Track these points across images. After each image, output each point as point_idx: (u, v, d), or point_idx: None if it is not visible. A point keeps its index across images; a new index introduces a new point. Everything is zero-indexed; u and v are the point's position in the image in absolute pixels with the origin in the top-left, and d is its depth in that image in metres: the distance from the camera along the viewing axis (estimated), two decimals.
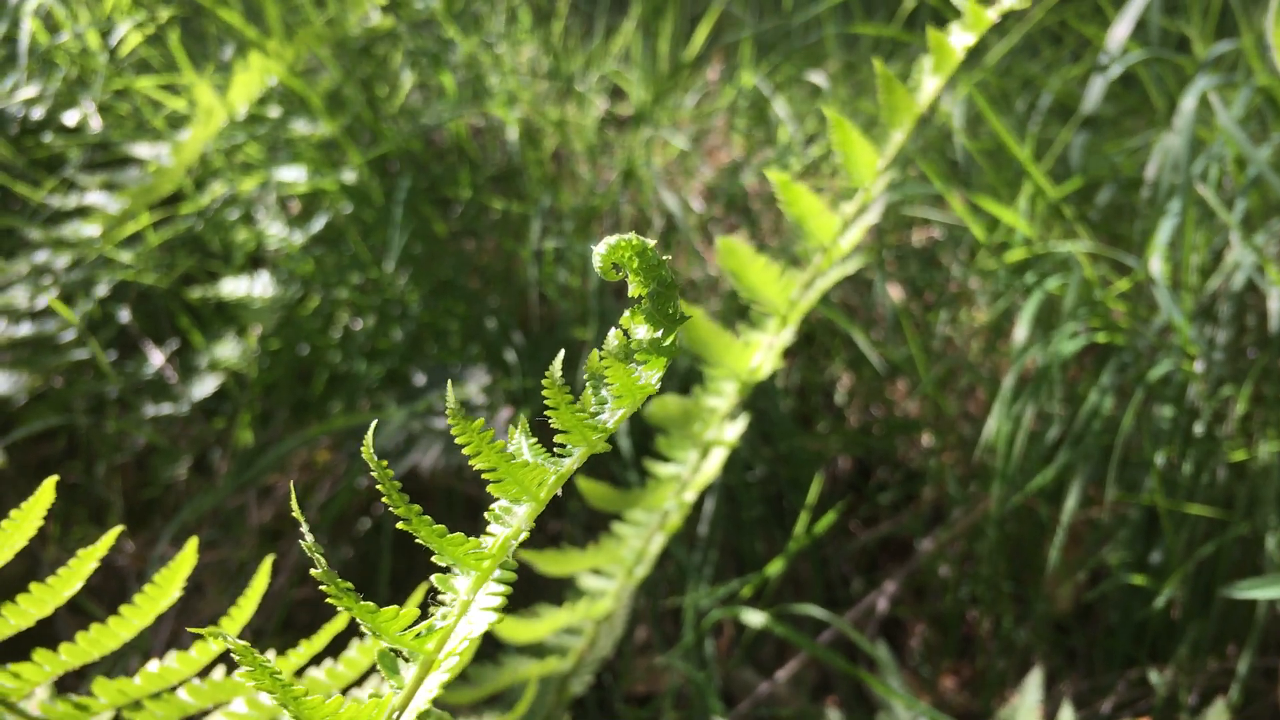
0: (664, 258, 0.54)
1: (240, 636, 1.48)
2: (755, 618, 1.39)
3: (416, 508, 0.57)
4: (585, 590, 1.22)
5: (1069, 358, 1.64)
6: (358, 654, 0.90)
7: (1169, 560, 1.55)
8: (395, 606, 0.59)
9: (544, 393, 0.54)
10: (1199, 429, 1.55)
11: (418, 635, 0.59)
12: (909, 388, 1.92)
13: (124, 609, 0.78)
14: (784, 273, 1.01)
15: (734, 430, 1.11)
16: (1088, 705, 1.58)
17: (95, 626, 0.77)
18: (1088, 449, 1.58)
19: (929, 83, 0.92)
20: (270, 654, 0.87)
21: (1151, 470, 1.53)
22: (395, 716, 0.62)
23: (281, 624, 1.59)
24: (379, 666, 0.63)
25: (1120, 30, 1.76)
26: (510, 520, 0.58)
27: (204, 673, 0.85)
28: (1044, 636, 1.65)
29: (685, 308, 1.03)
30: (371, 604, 0.58)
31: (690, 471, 1.12)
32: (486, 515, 0.59)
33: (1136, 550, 1.60)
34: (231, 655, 0.82)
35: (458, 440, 0.56)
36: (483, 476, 0.57)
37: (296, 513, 0.57)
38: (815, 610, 1.50)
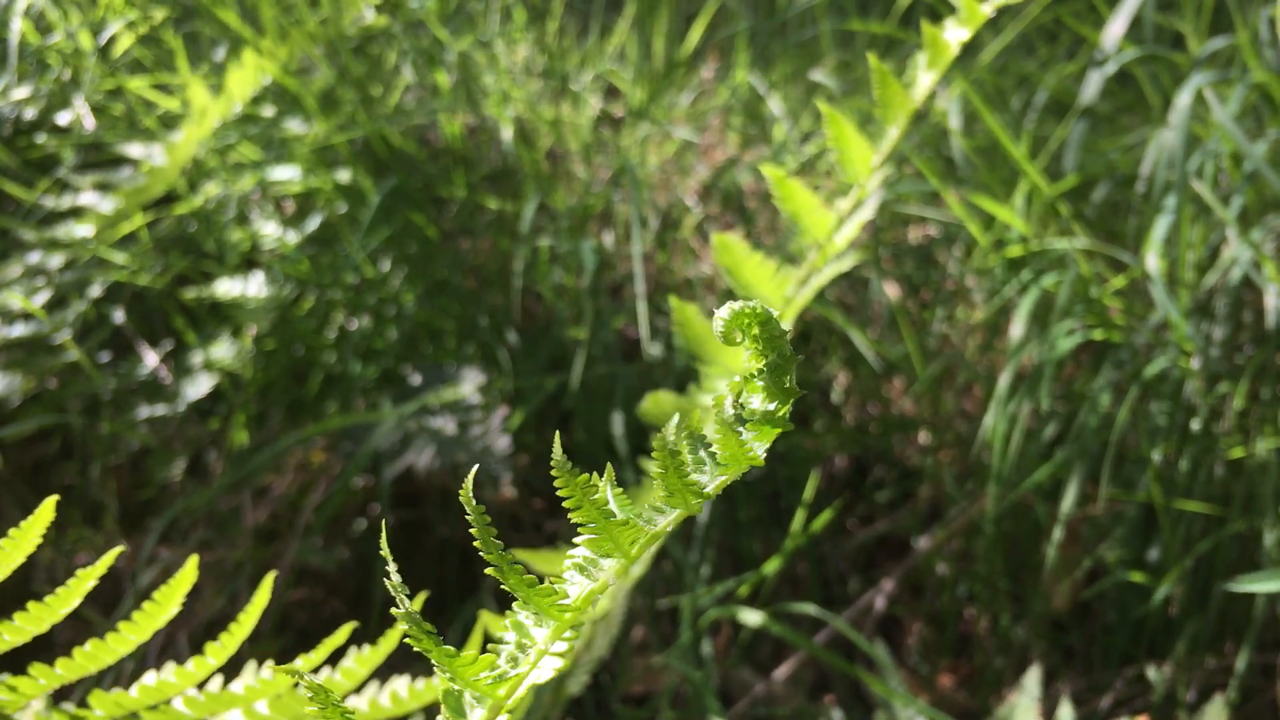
0: (785, 329, 0.53)
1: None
2: (752, 617, 1.39)
3: (509, 555, 0.56)
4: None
5: (1065, 355, 1.64)
6: (355, 664, 0.90)
7: (1166, 557, 1.54)
8: (474, 652, 0.58)
9: (654, 455, 0.53)
10: (1196, 426, 1.55)
11: (490, 682, 0.59)
12: (905, 386, 1.92)
13: (122, 625, 0.77)
14: (779, 269, 1.01)
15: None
16: (1086, 703, 1.58)
17: (93, 642, 0.77)
18: (1085, 446, 1.58)
19: (924, 78, 0.92)
20: (268, 664, 0.87)
21: (1148, 467, 1.53)
22: None
23: (278, 625, 1.59)
24: (444, 707, 0.63)
25: (1115, 27, 1.76)
26: (596, 574, 0.57)
27: (201, 684, 0.84)
28: (1042, 634, 1.65)
29: (680, 305, 1.03)
30: (451, 649, 0.57)
31: None
32: (569, 564, 0.58)
33: (1134, 547, 1.60)
34: (226, 666, 0.82)
35: (560, 493, 0.55)
36: (579, 530, 0.56)
37: (390, 567, 0.56)
38: (812, 609, 1.50)
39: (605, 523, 0.55)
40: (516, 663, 0.58)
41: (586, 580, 0.57)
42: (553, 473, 0.54)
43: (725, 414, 0.54)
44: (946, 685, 1.69)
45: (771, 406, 0.54)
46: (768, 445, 0.54)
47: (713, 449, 0.54)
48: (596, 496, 0.55)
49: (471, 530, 0.55)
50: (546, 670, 0.59)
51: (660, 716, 1.52)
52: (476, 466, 0.60)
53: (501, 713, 0.60)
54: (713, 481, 0.54)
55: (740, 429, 0.54)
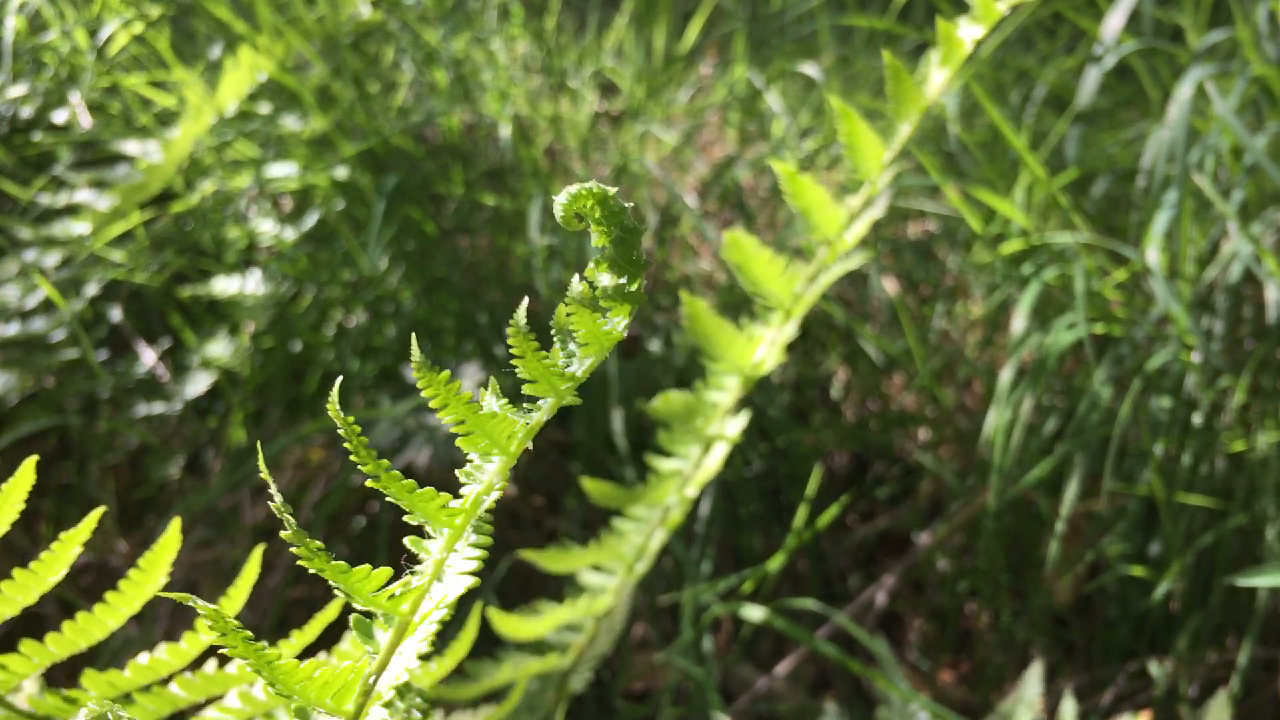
0: (626, 204, 0.53)
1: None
2: (754, 613, 1.38)
3: (384, 463, 0.56)
4: (586, 587, 1.21)
5: (1066, 349, 1.64)
6: (350, 646, 0.89)
7: (1168, 552, 1.54)
8: (367, 566, 0.58)
9: (509, 340, 0.54)
10: (1197, 420, 1.55)
11: (391, 596, 0.58)
12: (905, 382, 1.91)
13: (110, 597, 0.76)
14: (788, 266, 1.01)
15: (736, 425, 1.10)
16: (1087, 698, 1.58)
17: (82, 615, 0.76)
18: (1086, 441, 1.58)
19: (937, 75, 0.91)
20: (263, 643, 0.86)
21: (1150, 461, 1.53)
22: (371, 681, 0.61)
23: (277, 622, 1.58)
24: (354, 631, 0.62)
25: (1114, 21, 1.76)
26: (481, 476, 0.57)
27: (195, 666, 0.84)
28: (1043, 630, 1.64)
29: (690, 299, 1.02)
30: (343, 564, 0.57)
31: (692, 467, 1.12)
32: (458, 473, 0.58)
33: (1135, 542, 1.60)
34: (216, 647, 0.81)
35: (424, 393, 0.55)
36: (452, 429, 0.56)
37: (264, 472, 0.56)
38: (814, 605, 1.50)
39: (477, 418, 0.55)
40: (421, 578, 0.58)
41: (474, 484, 0.57)
42: (414, 372, 0.54)
43: (578, 293, 0.54)
44: (948, 681, 1.69)
45: (623, 280, 0.54)
46: (626, 321, 0.54)
47: (574, 333, 0.54)
48: (462, 393, 0.55)
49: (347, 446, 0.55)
50: (455, 585, 0.58)
51: (661, 713, 1.52)
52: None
53: (410, 632, 0.60)
54: (580, 365, 0.54)
55: (595, 307, 0.54)
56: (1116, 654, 1.61)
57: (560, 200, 0.52)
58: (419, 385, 0.55)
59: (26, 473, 0.68)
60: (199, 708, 0.87)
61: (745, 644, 1.68)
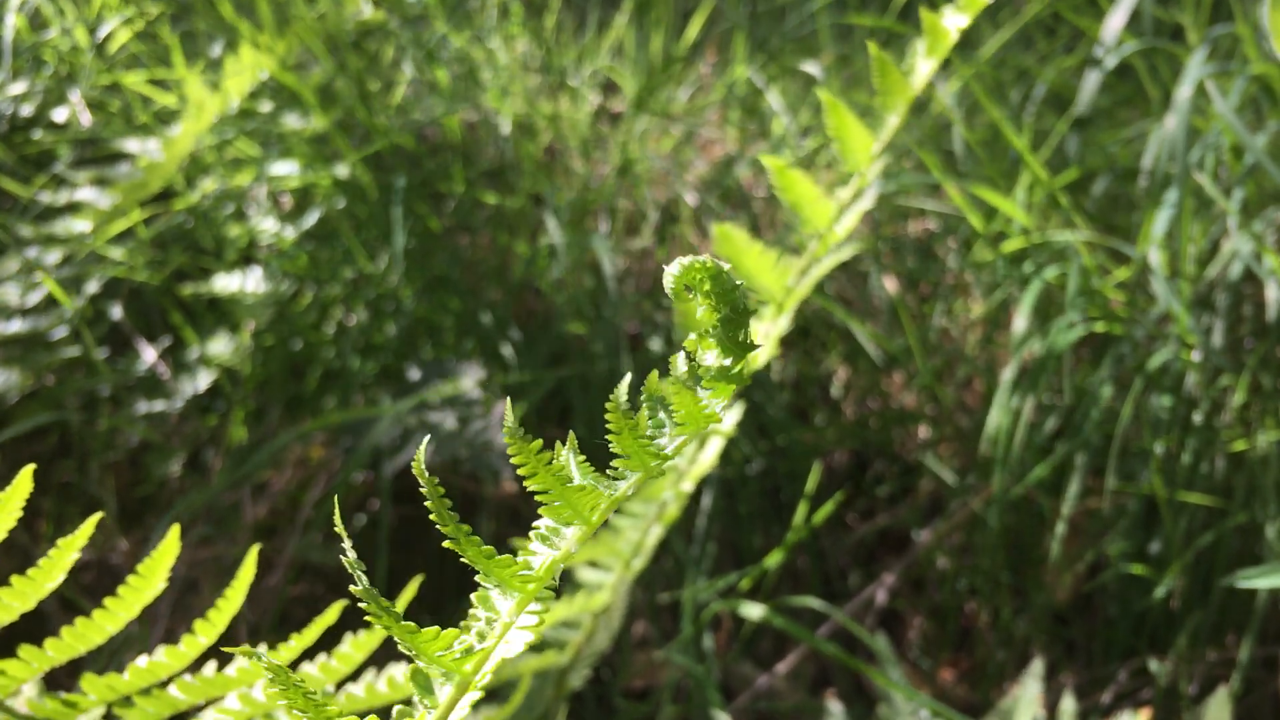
0: (739, 283, 0.52)
1: (234, 632, 1.47)
2: (754, 610, 1.38)
3: (466, 527, 0.55)
4: (582, 583, 1.21)
5: (1067, 348, 1.64)
6: (351, 649, 0.89)
7: (1168, 550, 1.54)
8: (436, 628, 0.57)
9: (606, 416, 0.52)
10: (1197, 418, 1.55)
11: (457, 658, 0.58)
12: (905, 380, 1.91)
13: (109, 601, 0.76)
14: (780, 259, 1.01)
15: (729, 420, 1.10)
16: (1088, 696, 1.58)
17: (80, 621, 0.76)
18: (1086, 439, 1.58)
19: (923, 65, 0.91)
20: (262, 648, 0.86)
21: (1150, 460, 1.53)
22: None
23: (277, 620, 1.58)
24: (413, 685, 0.62)
25: (1115, 21, 1.76)
26: (559, 543, 0.56)
27: (195, 668, 0.84)
28: (1043, 628, 1.64)
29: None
30: (412, 624, 0.56)
31: (688, 462, 1.12)
32: (533, 535, 0.57)
33: (1136, 540, 1.60)
34: (221, 647, 0.81)
35: (514, 461, 0.53)
36: (536, 499, 0.55)
37: (340, 528, 0.56)
38: (814, 603, 1.50)
39: (562, 489, 0.54)
40: (483, 638, 0.57)
41: (549, 550, 0.56)
42: (505, 438, 0.53)
43: (681, 373, 0.53)
44: (948, 679, 1.69)
45: (727, 362, 0.53)
46: (726, 403, 0.53)
47: (670, 409, 0.53)
48: (553, 464, 0.54)
49: (427, 505, 0.55)
50: (516, 645, 0.58)
51: (662, 710, 1.52)
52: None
53: (470, 689, 0.59)
54: (672, 443, 0.53)
55: (697, 387, 0.53)
56: (1117, 652, 1.60)
57: (671, 271, 0.51)
58: (510, 455, 0.54)
59: (24, 481, 0.68)
60: (199, 709, 0.87)
61: (746, 642, 1.68)
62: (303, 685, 0.56)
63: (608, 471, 0.55)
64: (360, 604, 0.55)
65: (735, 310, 0.52)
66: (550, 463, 0.54)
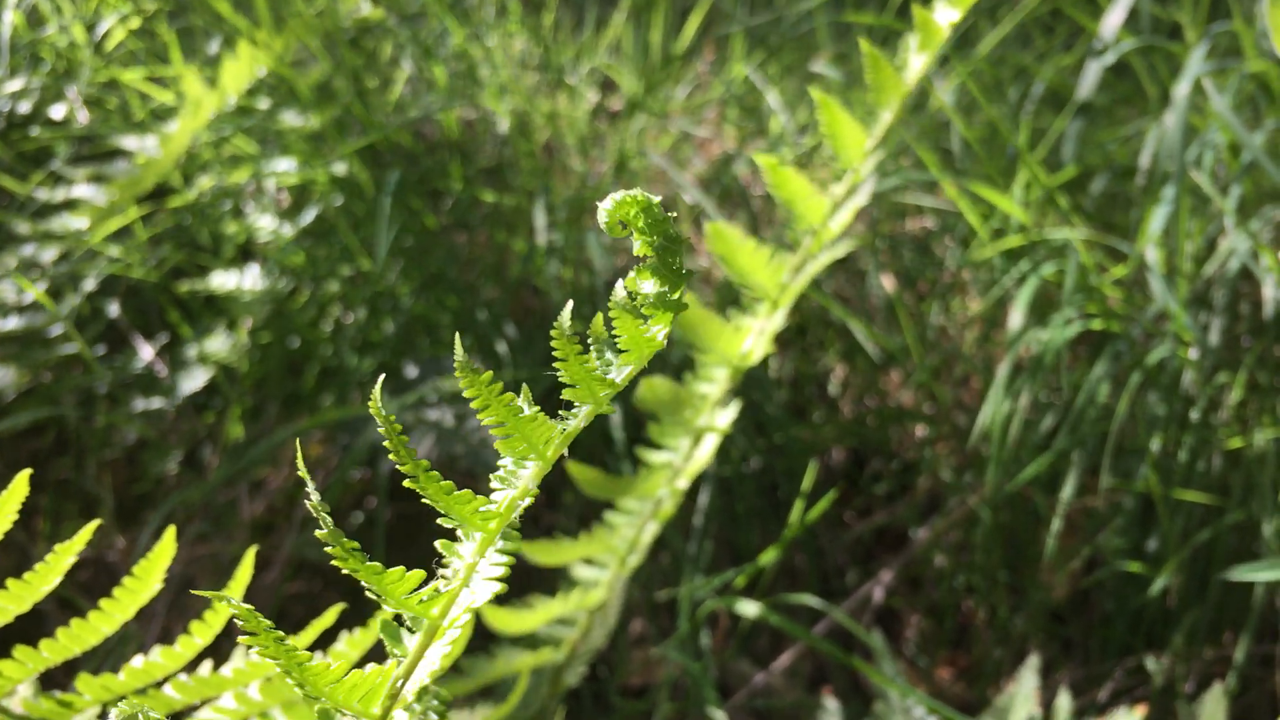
0: (670, 214, 0.53)
1: (231, 629, 1.47)
2: (750, 608, 1.38)
3: (424, 463, 0.56)
4: (578, 580, 1.21)
5: (1064, 345, 1.64)
6: (346, 646, 0.89)
7: (1165, 547, 1.54)
8: (400, 568, 0.58)
9: (552, 344, 0.54)
10: (1194, 416, 1.55)
11: (422, 600, 0.59)
12: (903, 378, 1.91)
13: (104, 603, 0.76)
14: (774, 256, 1.01)
15: (726, 417, 1.10)
16: (1084, 693, 1.58)
17: (76, 622, 0.76)
18: (1083, 437, 1.58)
19: (915, 61, 0.91)
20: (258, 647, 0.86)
21: (1147, 457, 1.53)
22: (399, 685, 0.61)
23: (275, 617, 1.58)
24: (383, 636, 0.62)
25: (1114, 18, 1.75)
26: (516, 481, 0.57)
27: (191, 668, 0.84)
28: (1040, 625, 1.64)
29: None
30: (378, 564, 0.57)
31: (683, 459, 1.12)
32: (492, 478, 0.58)
33: (1132, 538, 1.60)
34: (216, 649, 0.81)
35: (466, 394, 0.55)
36: (491, 433, 0.56)
37: (302, 471, 0.56)
38: (810, 600, 1.50)
39: (516, 420, 0.55)
40: (450, 583, 0.58)
41: (509, 489, 0.57)
42: (456, 373, 0.54)
43: (621, 298, 0.54)
44: (945, 677, 1.69)
45: (664, 289, 0.54)
46: (666, 329, 0.54)
47: (615, 340, 0.54)
48: (504, 396, 0.55)
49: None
50: (483, 591, 0.58)
51: (658, 708, 1.52)
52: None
53: (438, 635, 0.59)
54: (620, 373, 0.54)
55: (638, 314, 0.54)
56: (1114, 649, 1.60)
57: (605, 206, 0.52)
58: (461, 385, 0.55)
59: (20, 485, 0.68)
60: (194, 709, 0.87)
61: (742, 639, 1.68)
62: (275, 632, 0.57)
63: (560, 412, 0.56)
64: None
65: (668, 239, 0.53)
66: (501, 394, 0.55)
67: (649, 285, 0.54)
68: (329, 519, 0.56)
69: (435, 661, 0.61)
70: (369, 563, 0.57)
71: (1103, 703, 1.55)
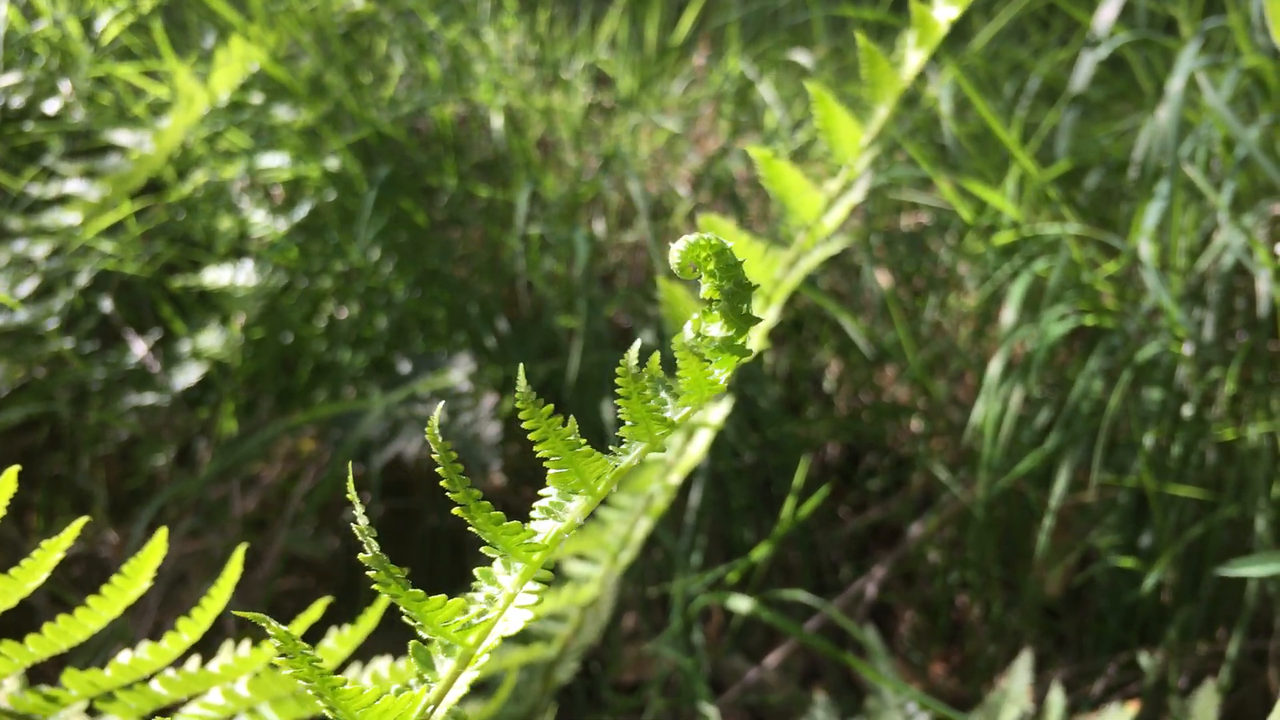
0: (742, 260, 0.53)
1: (222, 625, 1.46)
2: (741, 604, 1.38)
3: (476, 493, 0.55)
4: (570, 576, 1.21)
5: (1058, 341, 1.64)
6: (335, 644, 0.89)
7: (1159, 543, 1.54)
8: (443, 596, 0.57)
9: (617, 381, 0.53)
10: (1188, 411, 1.55)
11: (460, 629, 0.58)
12: (898, 374, 1.91)
13: (92, 600, 0.76)
14: (767, 252, 1.00)
15: (718, 413, 1.09)
16: (1078, 689, 1.58)
17: (63, 618, 0.76)
18: (1077, 432, 1.58)
19: (912, 57, 0.91)
20: (245, 644, 0.86)
21: (1140, 453, 1.53)
22: (429, 711, 0.61)
23: (266, 613, 1.58)
24: (415, 660, 0.62)
25: (1107, 12, 1.75)
26: (562, 515, 0.56)
27: (180, 663, 0.83)
28: (1034, 621, 1.64)
29: (668, 285, 1.02)
30: (420, 592, 0.56)
31: (675, 455, 1.11)
32: (537, 507, 0.57)
33: (1126, 533, 1.60)
34: (200, 644, 0.81)
35: (525, 425, 0.54)
36: (544, 465, 0.55)
37: (352, 495, 0.56)
38: (803, 596, 1.49)
39: (571, 455, 0.54)
40: (485, 611, 0.57)
41: (554, 522, 0.56)
42: (517, 405, 0.53)
43: (689, 339, 0.54)
44: (939, 672, 1.69)
45: (730, 333, 0.54)
46: (729, 374, 0.54)
47: (675, 380, 0.54)
48: (563, 429, 0.54)
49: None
50: (515, 621, 0.58)
51: (651, 704, 1.52)
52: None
53: (471, 664, 0.59)
54: (678, 412, 0.54)
55: (703, 357, 0.54)
56: (1107, 645, 1.61)
57: (677, 248, 0.52)
58: (521, 418, 0.54)
59: (8, 480, 0.67)
60: (181, 704, 0.87)
61: (735, 635, 1.68)
62: (310, 655, 0.56)
63: (610, 447, 0.56)
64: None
65: (739, 284, 0.53)
66: (559, 427, 0.54)
67: (716, 329, 0.54)
68: (375, 544, 0.55)
69: (464, 687, 0.61)
70: (411, 590, 0.57)
71: (1096, 698, 1.55)
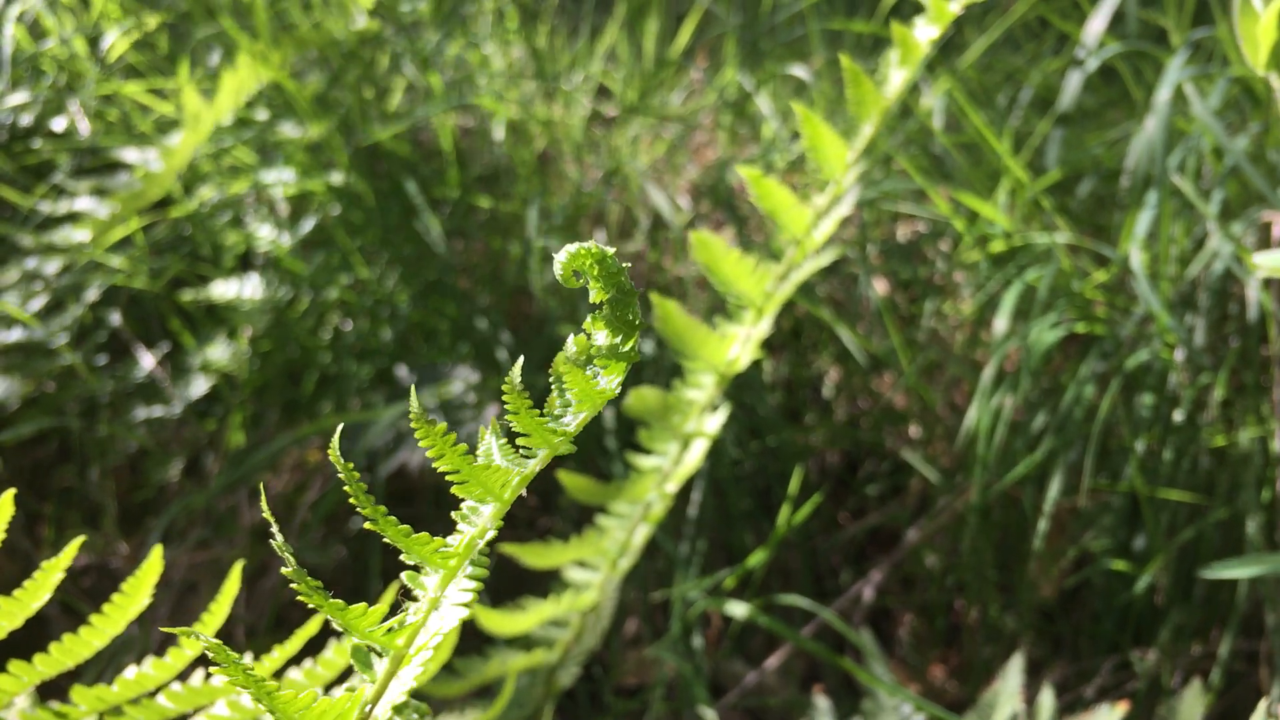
0: (623, 265, 0.55)
1: (231, 635, 1.49)
2: (738, 609, 1.40)
3: (382, 509, 0.58)
4: (570, 582, 1.23)
5: (1051, 348, 1.66)
6: (334, 654, 0.92)
7: (1151, 546, 1.56)
8: (364, 604, 0.60)
9: (504, 397, 0.56)
10: (1179, 416, 1.57)
11: (388, 631, 0.61)
12: (895, 380, 1.94)
13: (94, 618, 0.79)
14: (758, 265, 1.03)
15: (714, 422, 1.12)
16: (1072, 689, 1.60)
17: (68, 637, 0.79)
18: (1070, 437, 1.60)
19: (895, 75, 0.94)
20: (247, 656, 0.89)
21: (1132, 458, 1.55)
22: (368, 710, 0.64)
23: (273, 623, 1.61)
24: (353, 662, 0.65)
25: (1096, 24, 1.78)
26: (476, 520, 0.60)
27: (184, 676, 0.86)
28: (1029, 623, 1.67)
29: (661, 300, 1.05)
30: (340, 601, 0.59)
31: (671, 463, 1.14)
32: (454, 515, 0.61)
33: (1119, 537, 1.62)
34: (209, 658, 0.84)
35: (421, 444, 0.57)
36: (448, 479, 0.58)
37: (266, 512, 0.59)
38: (801, 601, 1.52)
39: (470, 469, 0.57)
40: (416, 614, 0.60)
41: (470, 527, 0.59)
42: (411, 424, 0.56)
43: (571, 352, 0.56)
44: (937, 675, 1.71)
45: (616, 340, 0.56)
46: (619, 379, 0.56)
47: (570, 390, 0.56)
48: (456, 445, 0.57)
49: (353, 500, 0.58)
50: (451, 618, 0.61)
51: (652, 708, 1.54)
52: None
53: (405, 663, 0.62)
54: (574, 419, 0.56)
55: (588, 367, 0.56)
56: (1102, 647, 1.63)
57: (559, 258, 0.54)
58: (416, 435, 0.57)
59: (4, 504, 0.70)
60: (188, 717, 0.89)
61: (735, 639, 1.70)
62: (242, 664, 0.59)
63: (518, 450, 0.59)
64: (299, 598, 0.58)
65: (621, 290, 0.55)
66: (454, 444, 0.57)
67: (602, 336, 0.56)
68: (292, 558, 0.58)
69: (409, 681, 0.63)
70: (332, 600, 0.59)
71: (1089, 699, 1.57)
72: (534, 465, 0.58)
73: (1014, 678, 1.32)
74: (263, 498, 0.61)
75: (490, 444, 0.60)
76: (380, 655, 0.64)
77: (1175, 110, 1.63)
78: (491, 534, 0.60)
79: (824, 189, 1.02)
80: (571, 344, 0.56)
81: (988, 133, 1.64)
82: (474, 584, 0.62)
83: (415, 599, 0.62)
